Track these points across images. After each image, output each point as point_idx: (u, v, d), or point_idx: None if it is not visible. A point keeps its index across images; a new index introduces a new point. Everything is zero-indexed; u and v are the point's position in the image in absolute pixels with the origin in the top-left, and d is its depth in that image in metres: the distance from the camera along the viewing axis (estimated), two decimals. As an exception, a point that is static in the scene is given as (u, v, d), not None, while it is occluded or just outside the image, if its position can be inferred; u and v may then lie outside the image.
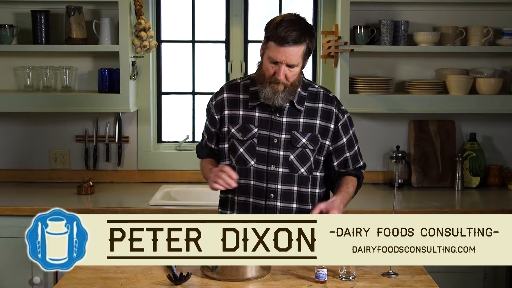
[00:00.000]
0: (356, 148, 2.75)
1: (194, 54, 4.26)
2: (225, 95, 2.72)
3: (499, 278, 3.60)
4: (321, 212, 2.48)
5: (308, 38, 2.52)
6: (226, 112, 2.70)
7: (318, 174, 2.70)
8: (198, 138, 4.29)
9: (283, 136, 2.64)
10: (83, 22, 3.93)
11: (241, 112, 2.68)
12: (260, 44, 2.64)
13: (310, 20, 4.17)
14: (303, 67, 2.61)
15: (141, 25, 3.86)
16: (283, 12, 4.17)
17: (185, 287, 2.34)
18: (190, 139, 4.27)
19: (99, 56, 4.07)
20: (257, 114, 2.66)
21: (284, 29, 2.48)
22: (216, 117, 2.71)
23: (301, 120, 2.65)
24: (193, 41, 4.25)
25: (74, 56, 4.07)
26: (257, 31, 4.22)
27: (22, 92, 3.96)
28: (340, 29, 3.85)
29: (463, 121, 4.17)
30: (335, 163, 2.72)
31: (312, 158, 2.66)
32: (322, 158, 2.69)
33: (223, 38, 4.23)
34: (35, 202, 3.65)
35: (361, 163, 2.77)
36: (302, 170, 2.65)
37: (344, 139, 2.70)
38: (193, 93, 4.27)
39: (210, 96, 2.81)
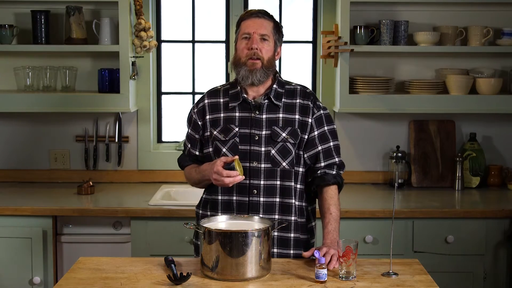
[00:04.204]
0: (331, 143, 2.74)
1: (194, 54, 4.26)
2: (206, 101, 2.78)
3: (499, 278, 3.60)
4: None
5: (275, 22, 2.73)
6: (207, 117, 2.75)
7: (300, 169, 2.73)
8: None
9: (263, 132, 2.68)
10: (83, 22, 3.93)
11: (222, 115, 2.73)
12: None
13: (310, 20, 4.21)
14: (275, 50, 2.71)
15: (141, 25, 3.87)
16: (283, 13, 4.19)
17: (185, 287, 2.34)
18: (190, 139, 4.27)
19: (99, 56, 4.07)
20: (237, 114, 2.71)
21: (250, 10, 2.74)
22: (199, 123, 2.77)
23: (280, 115, 2.70)
24: (193, 41, 4.25)
25: (74, 56, 4.07)
26: (257, 31, 4.22)
27: (22, 92, 3.96)
28: (340, 29, 3.85)
29: (463, 121, 4.17)
30: (306, 156, 2.72)
31: (293, 152, 2.70)
32: (301, 153, 2.72)
33: (223, 38, 4.23)
34: (35, 202, 3.65)
35: (336, 160, 2.74)
36: (284, 164, 2.68)
37: (316, 132, 2.72)
38: (193, 93, 4.27)
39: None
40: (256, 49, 2.64)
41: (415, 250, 3.57)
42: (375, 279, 2.43)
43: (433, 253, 3.57)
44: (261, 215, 2.65)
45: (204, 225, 2.45)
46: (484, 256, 3.59)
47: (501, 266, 3.59)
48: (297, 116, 2.71)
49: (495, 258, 3.59)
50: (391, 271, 2.48)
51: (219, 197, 2.71)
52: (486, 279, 3.59)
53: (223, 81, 4.22)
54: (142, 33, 3.86)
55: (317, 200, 2.80)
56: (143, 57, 4.05)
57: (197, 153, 2.79)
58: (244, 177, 2.58)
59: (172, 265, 2.43)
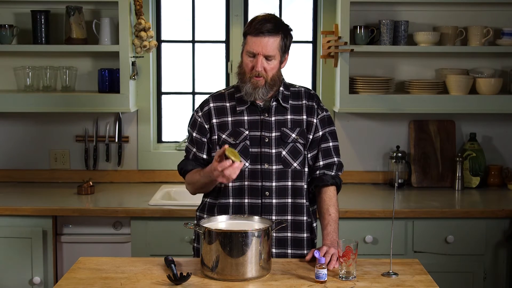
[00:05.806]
0: (330, 144, 2.76)
1: (194, 54, 4.26)
2: (211, 105, 2.76)
3: (499, 278, 3.60)
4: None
5: (283, 32, 2.65)
6: (214, 120, 2.73)
7: (306, 169, 2.74)
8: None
9: (273, 134, 2.69)
10: (83, 22, 3.93)
11: (229, 118, 2.72)
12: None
13: (310, 20, 4.21)
14: (281, 62, 2.69)
15: (141, 25, 3.87)
16: (283, 13, 4.19)
17: (185, 287, 2.34)
18: (190, 139, 4.27)
19: (99, 56, 4.07)
20: (246, 117, 2.71)
21: (258, 22, 2.63)
22: (206, 126, 2.74)
23: (289, 117, 2.72)
24: (193, 41, 4.25)
25: (74, 56, 4.07)
26: (257, 31, 4.22)
27: (22, 92, 3.96)
28: (340, 29, 3.85)
29: (463, 121, 4.17)
30: (309, 156, 2.74)
31: (303, 152, 2.71)
32: (306, 153, 2.74)
33: (223, 38, 4.23)
34: (35, 202, 3.65)
35: (335, 160, 2.76)
36: (295, 164, 2.70)
37: (320, 133, 2.75)
38: (193, 93, 4.27)
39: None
40: (260, 70, 2.62)
41: (415, 250, 3.57)
42: (375, 279, 2.43)
43: (433, 253, 3.58)
44: (274, 217, 2.66)
45: (204, 225, 2.45)
46: (484, 256, 3.59)
47: (501, 266, 3.59)
48: (304, 117, 2.73)
49: (495, 258, 3.59)
50: (391, 271, 2.48)
51: (231, 200, 2.70)
52: (486, 279, 3.59)
53: (223, 81, 4.23)
54: (142, 33, 3.87)
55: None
56: (143, 57, 4.05)
57: (204, 156, 2.75)
58: (243, 163, 2.56)
59: (172, 265, 2.43)
